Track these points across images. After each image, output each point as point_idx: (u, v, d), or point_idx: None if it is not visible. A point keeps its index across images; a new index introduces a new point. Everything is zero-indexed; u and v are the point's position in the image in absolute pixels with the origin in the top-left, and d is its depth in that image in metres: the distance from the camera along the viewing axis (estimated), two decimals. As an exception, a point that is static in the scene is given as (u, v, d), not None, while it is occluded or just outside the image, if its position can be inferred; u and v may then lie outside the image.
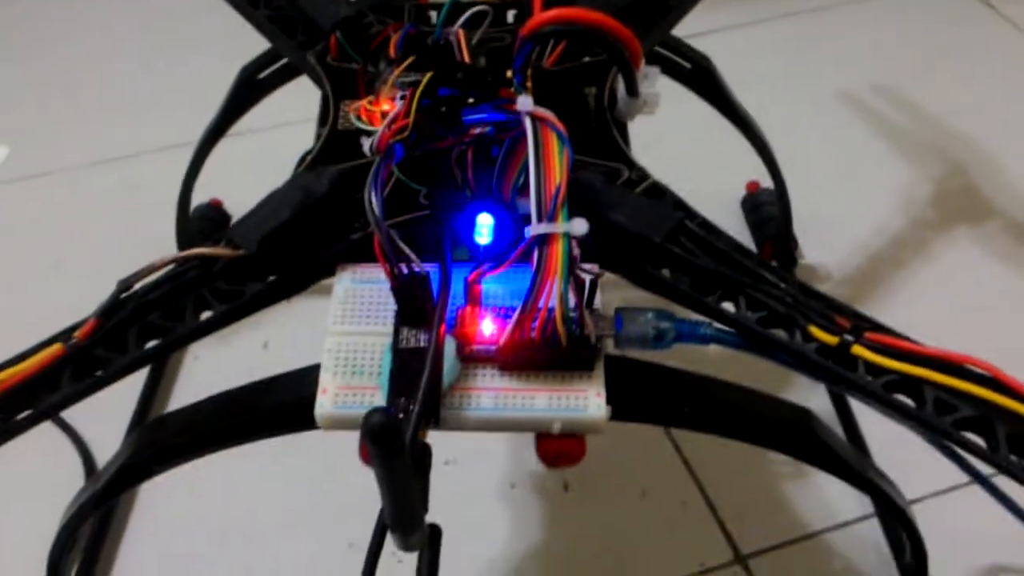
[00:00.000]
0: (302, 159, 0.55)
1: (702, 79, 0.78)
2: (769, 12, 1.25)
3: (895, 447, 0.63)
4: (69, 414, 0.80)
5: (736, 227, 0.94)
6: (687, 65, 0.78)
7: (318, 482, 0.77)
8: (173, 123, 1.04)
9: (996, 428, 0.42)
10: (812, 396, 0.78)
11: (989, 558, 0.72)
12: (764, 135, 0.82)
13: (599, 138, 0.55)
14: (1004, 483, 0.63)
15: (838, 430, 0.77)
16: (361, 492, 0.69)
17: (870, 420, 0.78)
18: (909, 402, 0.43)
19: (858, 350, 0.44)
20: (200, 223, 0.94)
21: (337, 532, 0.73)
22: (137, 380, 0.84)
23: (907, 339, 0.44)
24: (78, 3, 1.29)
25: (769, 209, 0.93)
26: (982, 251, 0.94)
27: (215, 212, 0.97)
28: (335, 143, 0.54)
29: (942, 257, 0.94)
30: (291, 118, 0.85)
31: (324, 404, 0.45)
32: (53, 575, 0.58)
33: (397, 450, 0.32)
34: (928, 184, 1.01)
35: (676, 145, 0.79)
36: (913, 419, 0.42)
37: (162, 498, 0.77)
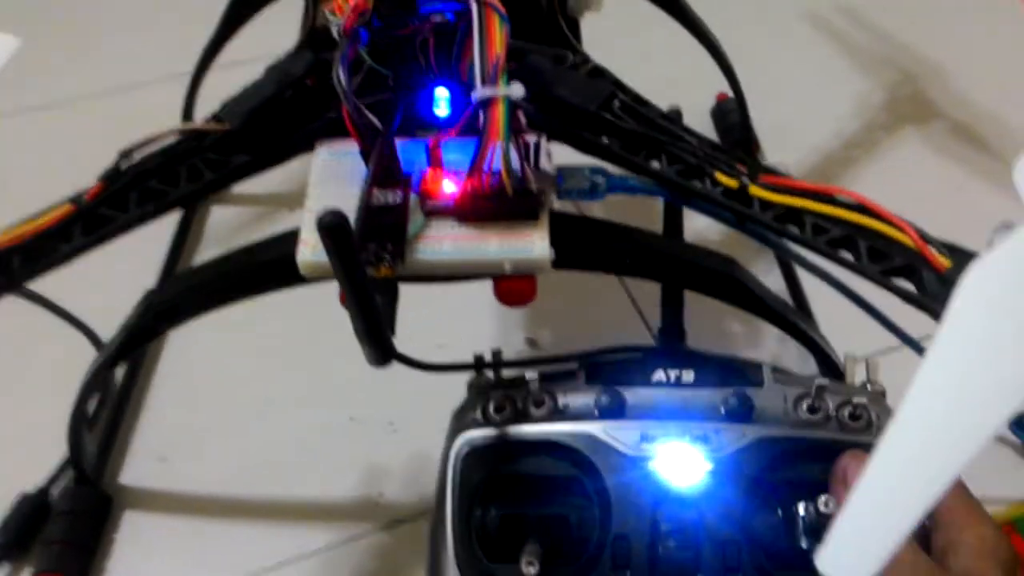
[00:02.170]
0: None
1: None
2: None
3: (836, 318, 0.69)
4: (84, 315, 0.88)
5: (707, 134, 1.01)
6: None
7: (320, 366, 0.84)
8: (169, 55, 1.09)
9: (859, 243, 0.49)
10: (768, 278, 0.85)
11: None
12: (720, 44, 0.88)
13: (549, 29, 0.62)
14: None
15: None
16: (358, 375, 0.77)
17: (817, 297, 0.85)
18: (795, 229, 0.51)
19: (754, 190, 0.51)
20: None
21: (339, 408, 0.81)
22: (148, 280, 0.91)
23: (792, 178, 0.51)
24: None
25: (734, 116, 1.00)
26: (928, 149, 1.01)
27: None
28: (313, 38, 0.60)
29: (891, 154, 1.01)
30: (280, 49, 0.92)
31: (305, 253, 0.51)
32: (75, 430, 0.66)
33: (346, 244, 0.39)
34: (881, 92, 1.07)
35: (657, 65, 0.85)
36: (797, 241, 0.50)
37: (176, 380, 0.85)
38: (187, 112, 0.96)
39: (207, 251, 0.97)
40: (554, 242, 0.52)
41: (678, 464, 0.49)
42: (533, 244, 0.51)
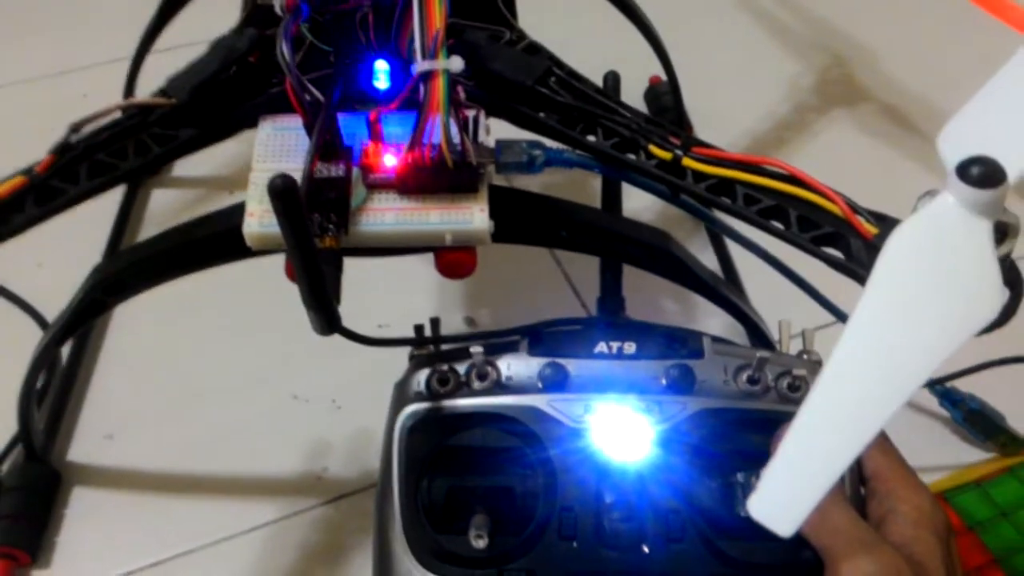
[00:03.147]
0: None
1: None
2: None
3: (767, 296, 0.71)
4: (35, 300, 0.88)
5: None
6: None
7: (264, 345, 0.85)
8: (110, 39, 1.08)
9: (789, 213, 0.51)
10: (702, 256, 0.87)
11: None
12: (653, 26, 0.90)
13: (486, 7, 0.63)
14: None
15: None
16: (301, 353, 0.78)
17: (749, 277, 0.87)
18: (727, 200, 0.53)
19: (687, 162, 0.53)
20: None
21: (283, 386, 0.82)
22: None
23: (724, 151, 0.53)
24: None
25: (667, 99, 1.02)
26: (858, 131, 1.04)
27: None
28: (256, 15, 0.61)
29: (822, 136, 1.03)
30: (220, 32, 0.92)
31: (252, 224, 0.52)
32: (25, 407, 0.66)
33: (296, 207, 0.41)
34: (812, 75, 1.10)
35: (587, 48, 0.87)
36: (729, 212, 0.52)
37: (120, 359, 0.85)
38: (128, 94, 0.96)
39: (149, 234, 0.96)
40: (493, 215, 0.53)
41: (621, 435, 0.50)
42: (473, 216, 0.53)
